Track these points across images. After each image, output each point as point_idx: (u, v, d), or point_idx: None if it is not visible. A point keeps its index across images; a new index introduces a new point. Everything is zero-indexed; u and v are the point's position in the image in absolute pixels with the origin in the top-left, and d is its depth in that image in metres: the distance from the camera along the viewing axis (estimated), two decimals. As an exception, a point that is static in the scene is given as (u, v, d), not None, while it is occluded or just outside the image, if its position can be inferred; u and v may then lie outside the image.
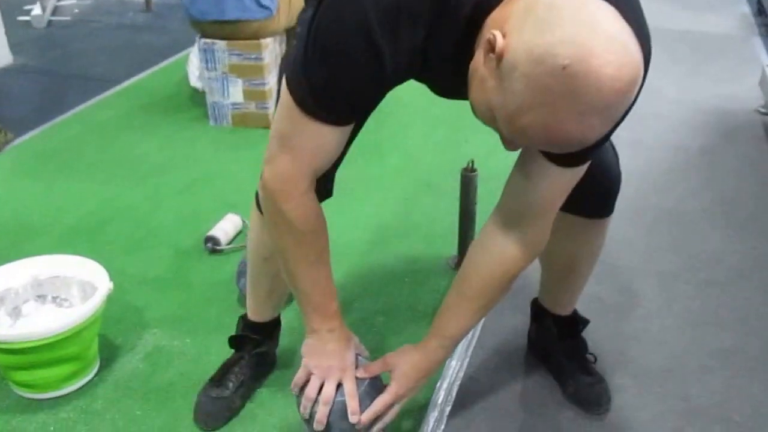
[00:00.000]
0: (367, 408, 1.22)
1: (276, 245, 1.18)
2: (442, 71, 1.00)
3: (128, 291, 1.83)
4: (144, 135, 2.78)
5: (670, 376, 1.62)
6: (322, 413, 1.20)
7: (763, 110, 3.05)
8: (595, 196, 1.25)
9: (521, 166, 1.12)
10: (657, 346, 1.71)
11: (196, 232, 2.09)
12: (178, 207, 2.26)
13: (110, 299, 1.52)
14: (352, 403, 1.20)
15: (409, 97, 3.10)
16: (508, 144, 0.93)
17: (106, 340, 1.65)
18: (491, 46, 0.83)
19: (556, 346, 1.55)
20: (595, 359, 1.58)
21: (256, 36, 2.63)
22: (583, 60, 0.76)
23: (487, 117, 0.90)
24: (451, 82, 1.02)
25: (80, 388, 1.53)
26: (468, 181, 1.86)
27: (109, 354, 1.63)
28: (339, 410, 1.22)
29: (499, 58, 0.83)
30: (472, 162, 1.87)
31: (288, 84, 1.03)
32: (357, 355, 1.27)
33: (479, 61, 0.88)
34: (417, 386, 1.27)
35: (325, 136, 1.04)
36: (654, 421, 1.50)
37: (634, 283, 1.94)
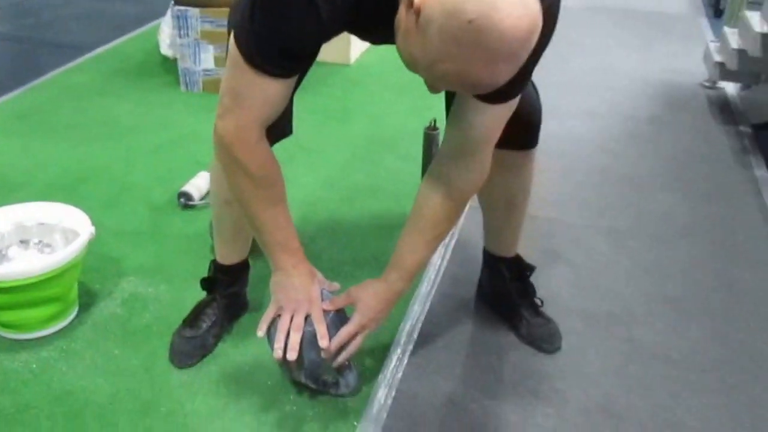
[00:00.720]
0: (332, 336, 1.27)
1: (235, 191, 1.24)
2: (371, 23, 1.08)
3: (105, 243, 1.84)
4: (117, 99, 2.76)
5: (617, 320, 1.70)
6: (294, 340, 1.25)
7: (707, 84, 3.15)
8: (522, 129, 1.34)
9: (458, 107, 1.20)
10: (606, 294, 1.79)
11: (170, 189, 2.10)
12: (151, 166, 2.27)
13: (88, 250, 1.54)
14: (321, 329, 1.26)
15: (376, 68, 3.17)
16: (431, 88, 1.02)
17: (84, 288, 1.67)
18: (410, 3, 0.93)
19: (509, 288, 1.61)
20: (542, 303, 1.64)
21: (228, 4, 2.60)
22: (487, 14, 0.85)
23: (411, 64, 1.00)
24: (380, 32, 1.10)
25: (60, 330, 1.55)
26: (430, 138, 1.91)
27: (87, 300, 1.65)
28: (307, 340, 1.27)
29: (417, 13, 0.92)
30: (434, 121, 1.92)
31: (236, 42, 1.09)
32: (322, 289, 1.32)
33: (402, 15, 0.97)
34: (379, 317, 1.33)
35: (272, 89, 1.12)
36: (601, 359, 1.57)
37: (587, 239, 2.02)
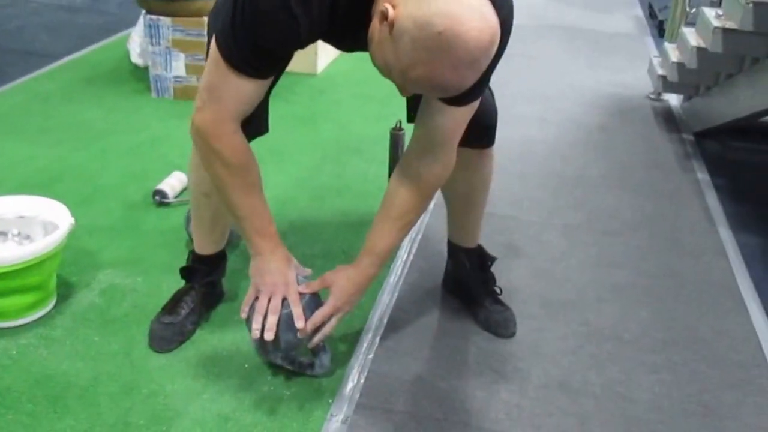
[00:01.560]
0: (308, 318, 1.32)
1: (213, 180, 1.30)
2: (344, 33, 1.18)
3: (81, 238, 1.85)
4: (87, 105, 2.77)
5: (573, 306, 1.79)
6: (271, 322, 1.30)
7: (652, 96, 3.32)
8: (480, 129, 1.43)
9: (425, 109, 1.29)
10: (562, 283, 1.88)
11: (144, 188, 2.12)
12: (124, 167, 2.28)
13: (65, 246, 1.55)
14: (297, 310, 1.31)
15: (341, 78, 3.24)
16: (403, 91, 1.12)
17: (62, 280, 1.68)
18: (384, 16, 1.02)
19: (470, 277, 1.69)
20: (501, 291, 1.71)
21: (200, 14, 2.67)
22: (453, 27, 0.96)
23: (385, 70, 1.10)
24: (351, 41, 1.21)
25: (39, 319, 1.56)
26: (396, 139, 1.98)
27: (65, 291, 1.66)
28: (284, 322, 1.32)
29: (391, 25, 1.01)
30: (400, 122, 1.99)
31: (217, 43, 1.17)
32: (297, 275, 1.37)
33: (376, 27, 1.07)
34: (352, 300, 1.38)
35: (247, 88, 1.20)
36: (559, 340, 1.66)
37: (542, 234, 2.11)
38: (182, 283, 1.59)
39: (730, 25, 2.15)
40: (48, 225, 1.59)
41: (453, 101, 1.23)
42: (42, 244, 1.45)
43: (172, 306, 1.53)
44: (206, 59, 1.24)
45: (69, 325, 1.55)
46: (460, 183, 1.53)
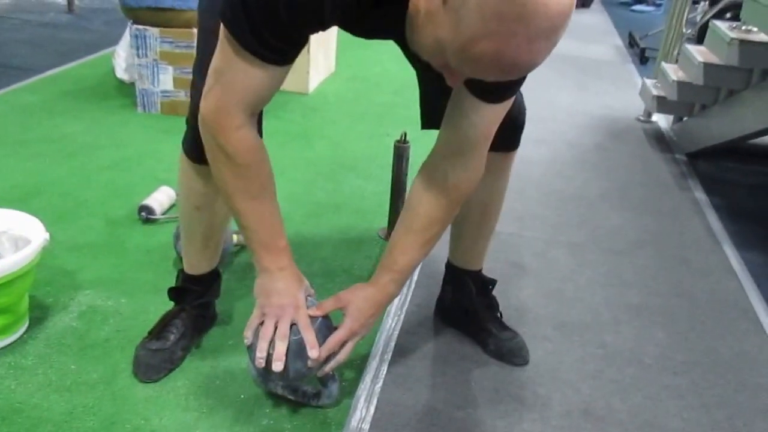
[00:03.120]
0: (320, 344, 1.14)
1: (218, 181, 1.10)
2: (373, 15, 0.96)
3: (58, 256, 1.65)
4: (69, 118, 2.56)
5: (588, 327, 1.63)
6: (279, 350, 1.11)
7: (642, 118, 3.23)
8: (508, 130, 1.26)
9: (457, 107, 1.11)
10: (574, 303, 1.73)
11: (129, 204, 1.93)
12: (108, 181, 2.09)
13: (39, 264, 1.35)
14: (310, 337, 1.12)
15: (333, 97, 3.09)
16: (452, 78, 0.91)
17: (35, 302, 1.47)
18: None
19: (474, 303, 1.50)
20: (501, 316, 1.54)
21: (189, 25, 2.50)
22: None
23: (435, 52, 0.87)
24: (380, 23, 0.98)
25: (8, 346, 1.35)
26: (401, 152, 1.82)
27: (39, 314, 1.45)
28: (293, 350, 1.13)
29: None
30: (405, 134, 1.84)
31: (224, 19, 0.96)
32: (307, 296, 1.19)
33: (420, 0, 0.86)
34: (369, 323, 1.20)
35: (258, 75, 0.99)
36: (577, 364, 1.50)
37: (548, 252, 1.97)
38: (170, 305, 1.39)
39: (745, 37, 2.07)
40: (19, 241, 1.39)
41: (492, 96, 1.06)
42: (11, 262, 1.25)
43: (159, 330, 1.34)
44: (198, 47, 1.05)
45: (42, 352, 1.34)
46: (479, 192, 1.34)
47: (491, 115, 1.10)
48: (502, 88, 0.94)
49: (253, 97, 1.03)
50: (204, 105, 1.04)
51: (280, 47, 0.97)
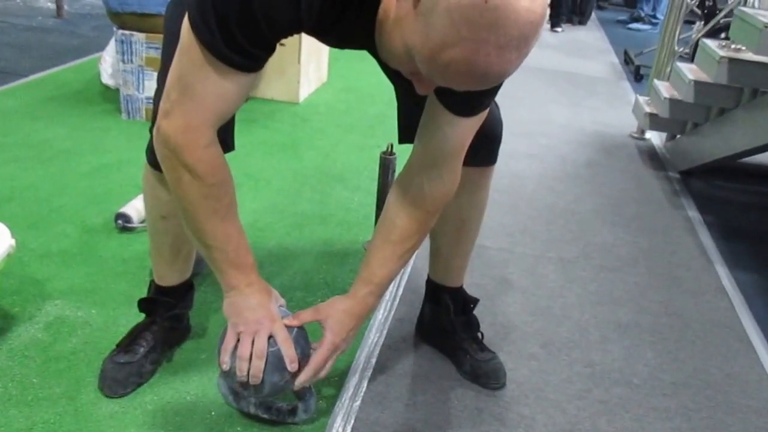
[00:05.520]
0: (297, 355, 1.10)
1: (181, 203, 1.04)
2: (345, 20, 0.93)
3: (28, 264, 1.60)
4: (50, 123, 2.52)
5: (575, 345, 1.60)
6: (256, 367, 1.06)
7: (635, 135, 3.22)
8: (484, 144, 1.23)
9: (429, 119, 1.09)
10: (562, 320, 1.69)
11: (105, 212, 1.88)
12: (85, 188, 2.04)
13: (6, 272, 1.30)
14: (289, 351, 1.08)
15: (323, 108, 3.07)
16: (422, 85, 0.88)
17: (0, 311, 1.42)
18: None
19: (453, 322, 1.45)
20: (483, 336, 1.48)
21: (175, 31, 2.47)
22: None
23: (404, 59, 0.85)
24: (351, 30, 0.95)
25: (-32, 356, 1.30)
26: (387, 163, 1.79)
27: (3, 324, 1.40)
28: (270, 362, 1.09)
29: None
30: (391, 146, 1.80)
31: (192, 24, 0.90)
32: (279, 306, 1.15)
33: (391, 5, 0.84)
34: (350, 336, 1.16)
35: (230, 84, 0.94)
36: (564, 384, 1.46)
37: (537, 268, 1.93)
38: (143, 317, 1.35)
39: (735, 55, 2.05)
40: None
41: (465, 110, 1.04)
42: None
43: (128, 343, 1.29)
44: (164, 53, 1.01)
45: (3, 365, 1.29)
46: (451, 208, 1.30)
47: (465, 128, 1.08)
48: (475, 100, 0.92)
49: (224, 110, 0.98)
50: (168, 124, 0.97)
51: (253, 52, 0.92)
